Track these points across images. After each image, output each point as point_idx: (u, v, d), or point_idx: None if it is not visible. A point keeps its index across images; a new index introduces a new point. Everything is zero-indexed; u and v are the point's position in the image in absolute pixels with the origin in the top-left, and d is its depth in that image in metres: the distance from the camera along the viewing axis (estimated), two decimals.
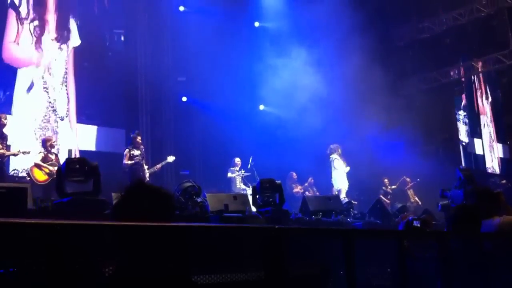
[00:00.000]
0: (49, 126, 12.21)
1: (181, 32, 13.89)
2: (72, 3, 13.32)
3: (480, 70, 16.89)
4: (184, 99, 14.89)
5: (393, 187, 14.26)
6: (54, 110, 12.38)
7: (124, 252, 1.69)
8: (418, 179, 14.21)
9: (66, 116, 12.63)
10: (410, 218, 4.35)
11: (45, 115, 12.21)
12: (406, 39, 16.60)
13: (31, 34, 12.26)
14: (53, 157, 9.96)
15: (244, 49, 14.49)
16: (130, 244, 1.69)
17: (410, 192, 14.36)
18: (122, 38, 14.32)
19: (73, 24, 13.12)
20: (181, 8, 14.73)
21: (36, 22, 12.41)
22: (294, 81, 13.94)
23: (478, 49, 16.61)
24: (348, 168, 12.82)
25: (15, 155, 9.55)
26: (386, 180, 14.22)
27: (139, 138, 10.93)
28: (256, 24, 15.89)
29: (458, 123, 18.52)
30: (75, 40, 13.08)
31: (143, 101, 14.16)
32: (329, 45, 13.73)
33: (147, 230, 1.74)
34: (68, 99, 12.79)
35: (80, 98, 13.08)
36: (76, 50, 13.20)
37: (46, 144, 10.04)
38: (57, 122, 12.42)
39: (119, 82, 13.74)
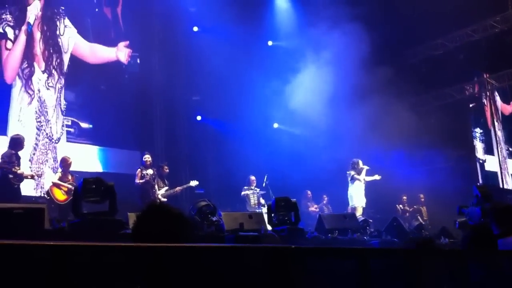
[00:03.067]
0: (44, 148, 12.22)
1: (195, 52, 14.03)
2: (88, 27, 13.53)
3: (494, 86, 16.79)
4: (199, 118, 14.99)
5: (407, 208, 14.16)
6: (48, 135, 12.30)
7: (144, 275, 1.69)
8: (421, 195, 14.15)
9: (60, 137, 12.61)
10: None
11: (38, 137, 12.15)
12: (420, 56, 16.57)
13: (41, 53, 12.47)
14: (70, 177, 10.08)
15: (258, 68, 14.56)
16: (151, 266, 1.70)
17: (423, 209, 14.23)
18: (138, 61, 14.49)
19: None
20: (195, 29, 14.91)
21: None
22: (307, 99, 13.94)
23: (492, 65, 16.53)
24: (377, 177, 12.67)
25: (32, 177, 9.64)
26: (404, 197, 14.11)
27: (147, 158, 11.06)
28: (270, 43, 16.00)
29: (474, 140, 18.34)
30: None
31: (158, 120, 14.30)
32: (342, 63, 13.75)
33: (167, 251, 1.74)
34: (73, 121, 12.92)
35: (96, 120, 13.23)
36: (93, 72, 13.40)
37: (64, 164, 10.18)
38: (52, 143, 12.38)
39: (134, 103, 13.93)
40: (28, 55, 12.16)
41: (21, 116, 11.87)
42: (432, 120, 15.70)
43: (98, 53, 13.56)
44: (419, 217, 13.70)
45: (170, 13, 14.24)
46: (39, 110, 12.15)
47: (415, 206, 14.18)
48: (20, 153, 9.42)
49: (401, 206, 13.99)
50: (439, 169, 15.11)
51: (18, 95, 11.94)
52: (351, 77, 13.73)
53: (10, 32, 11.90)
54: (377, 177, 12.71)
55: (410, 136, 14.70)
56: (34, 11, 12.27)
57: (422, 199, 14.29)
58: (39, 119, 12.11)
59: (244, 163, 13.45)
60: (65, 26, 12.95)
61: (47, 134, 12.18)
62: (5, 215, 5.38)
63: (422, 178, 14.45)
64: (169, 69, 14.20)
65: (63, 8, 12.90)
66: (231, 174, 13.50)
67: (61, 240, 1.63)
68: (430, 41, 16.23)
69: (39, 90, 12.21)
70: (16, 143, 9.32)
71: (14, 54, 11.90)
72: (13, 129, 11.49)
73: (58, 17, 12.85)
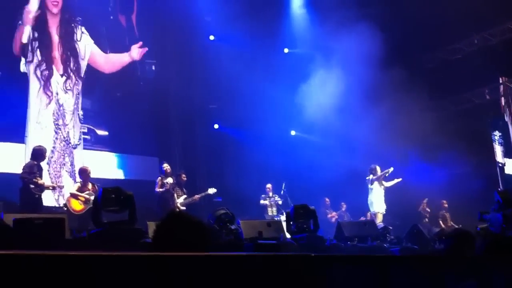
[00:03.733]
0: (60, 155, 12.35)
1: (211, 60, 14.10)
2: (103, 35, 13.70)
3: None
4: (216, 126, 15.04)
5: (427, 209, 14.01)
6: (65, 139, 12.45)
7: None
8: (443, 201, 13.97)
9: (78, 145, 12.74)
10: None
11: (56, 140, 12.30)
12: (436, 61, 16.44)
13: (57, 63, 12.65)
14: (89, 186, 10.14)
15: (274, 75, 14.57)
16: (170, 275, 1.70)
17: (447, 215, 14.05)
18: (153, 68, 14.63)
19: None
20: (211, 38, 15.00)
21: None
22: (324, 106, 13.91)
23: (509, 68, 16.33)
24: (398, 180, 12.57)
25: (54, 188, 9.72)
26: (425, 201, 13.98)
27: (166, 167, 11.15)
28: (286, 50, 16.02)
29: (494, 144, 18.10)
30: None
31: (175, 129, 14.38)
32: (357, 69, 13.70)
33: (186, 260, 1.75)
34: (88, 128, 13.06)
35: (112, 127, 13.36)
36: (108, 80, 13.54)
37: (83, 174, 10.26)
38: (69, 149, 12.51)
39: (151, 111, 14.05)
40: (47, 57, 12.35)
41: (40, 118, 12.05)
42: (450, 125, 15.51)
43: (113, 61, 13.71)
44: (442, 223, 13.54)
45: (186, 21, 14.33)
46: (56, 112, 12.30)
47: (440, 212, 14.02)
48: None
49: (425, 207, 13.86)
50: (459, 173, 14.92)
51: (36, 96, 12.10)
52: (367, 83, 13.67)
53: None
54: (397, 180, 12.62)
55: (428, 141, 14.57)
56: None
57: (446, 205, 14.11)
58: (57, 122, 12.27)
59: (262, 171, 13.47)
60: (82, 33, 13.12)
61: (64, 137, 12.33)
62: (26, 225, 5.44)
63: (441, 183, 14.29)
64: (186, 77, 14.28)
65: (80, 18, 13.07)
66: (249, 182, 13.49)
67: (82, 250, 1.64)
68: (447, 46, 16.10)
69: (57, 93, 12.38)
70: (38, 154, 9.44)
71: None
72: (31, 131, 11.70)
73: (74, 24, 13.05)
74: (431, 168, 15.03)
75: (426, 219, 13.79)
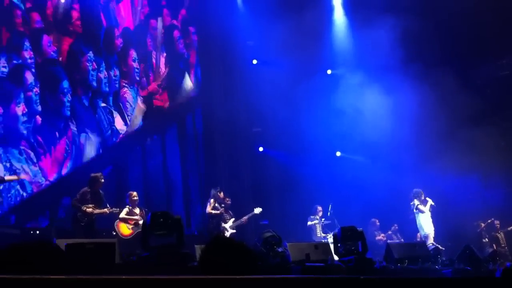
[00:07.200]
0: None
1: (254, 84, 14.22)
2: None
3: None
4: (261, 149, 15.09)
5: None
6: None
7: None
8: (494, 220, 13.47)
9: None
10: (508, 264, 4.07)
11: None
12: (484, 77, 16.01)
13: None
14: (137, 211, 10.27)
15: (318, 97, 14.51)
16: None
17: (500, 236, 13.54)
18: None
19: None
20: (254, 62, 15.17)
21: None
22: (370, 126, 13.73)
23: None
24: (430, 203, 12.25)
25: (104, 214, 9.72)
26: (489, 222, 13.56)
27: (221, 193, 11.27)
28: (329, 71, 15.98)
29: None
30: None
31: (220, 153, 14.51)
32: (403, 88, 13.50)
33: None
34: None
35: None
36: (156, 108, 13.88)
37: (130, 199, 10.40)
38: None
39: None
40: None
41: None
42: (502, 142, 15.05)
43: None
44: (494, 245, 13.06)
45: (229, 46, 14.58)
46: None
47: (492, 233, 13.54)
48: None
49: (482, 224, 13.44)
50: (508, 193, 14.38)
51: None
52: (413, 101, 13.45)
53: None
54: (430, 202, 12.24)
55: (479, 160, 14.13)
56: None
57: (498, 225, 13.63)
58: None
59: (308, 193, 13.36)
60: None
61: None
62: (78, 250, 5.57)
63: (494, 203, 13.82)
64: (229, 101, 14.46)
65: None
66: (295, 205, 13.42)
67: (132, 274, 1.67)
68: (496, 61, 15.68)
69: None
70: (92, 181, 9.51)
71: None
72: None
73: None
74: (485, 186, 14.57)
75: (486, 239, 13.33)
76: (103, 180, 9.60)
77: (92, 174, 9.65)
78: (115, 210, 9.73)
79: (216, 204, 11.14)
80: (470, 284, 2.95)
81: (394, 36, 13.48)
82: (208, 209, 11.11)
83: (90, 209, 9.24)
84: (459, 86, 14.26)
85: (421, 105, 13.34)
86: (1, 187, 9.45)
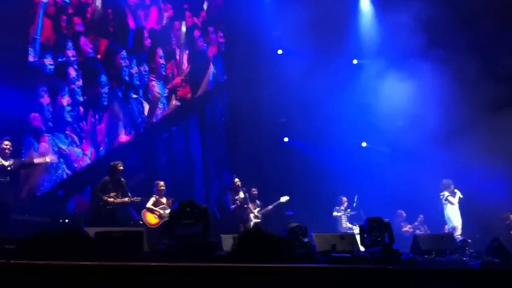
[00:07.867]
0: None
1: (280, 74, 14.20)
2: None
3: None
4: (286, 139, 15.07)
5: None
6: None
7: None
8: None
9: None
10: None
11: None
12: (509, 65, 15.61)
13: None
14: (164, 200, 10.36)
15: (343, 87, 14.42)
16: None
17: None
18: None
19: None
20: (279, 52, 15.12)
21: None
22: (394, 116, 13.58)
23: None
24: (458, 195, 12.09)
25: (125, 203, 9.75)
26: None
27: (237, 181, 11.39)
28: (354, 61, 15.84)
29: None
30: None
31: (245, 143, 14.57)
32: (428, 79, 13.29)
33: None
34: None
35: None
36: (180, 99, 14.08)
37: (156, 188, 10.50)
38: None
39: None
40: None
41: None
42: None
43: None
44: None
45: (254, 36, 14.57)
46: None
47: None
48: None
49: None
50: None
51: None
52: (440, 92, 13.23)
53: None
54: (459, 194, 12.07)
55: (506, 149, 13.82)
56: None
57: None
58: None
59: (333, 183, 13.32)
60: None
61: None
62: (107, 238, 5.64)
63: None
64: (255, 91, 14.46)
65: None
66: (320, 195, 13.40)
67: (160, 262, 1.69)
68: None
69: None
70: (111, 169, 9.50)
71: None
72: None
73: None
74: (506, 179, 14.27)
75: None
76: (122, 168, 9.52)
77: (112, 163, 9.63)
78: (136, 199, 9.69)
79: (235, 197, 11.30)
80: (499, 276, 2.90)
81: (418, 23, 13.27)
82: (230, 206, 11.32)
83: (112, 199, 9.27)
84: (483, 74, 13.94)
85: (444, 92, 13.12)
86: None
